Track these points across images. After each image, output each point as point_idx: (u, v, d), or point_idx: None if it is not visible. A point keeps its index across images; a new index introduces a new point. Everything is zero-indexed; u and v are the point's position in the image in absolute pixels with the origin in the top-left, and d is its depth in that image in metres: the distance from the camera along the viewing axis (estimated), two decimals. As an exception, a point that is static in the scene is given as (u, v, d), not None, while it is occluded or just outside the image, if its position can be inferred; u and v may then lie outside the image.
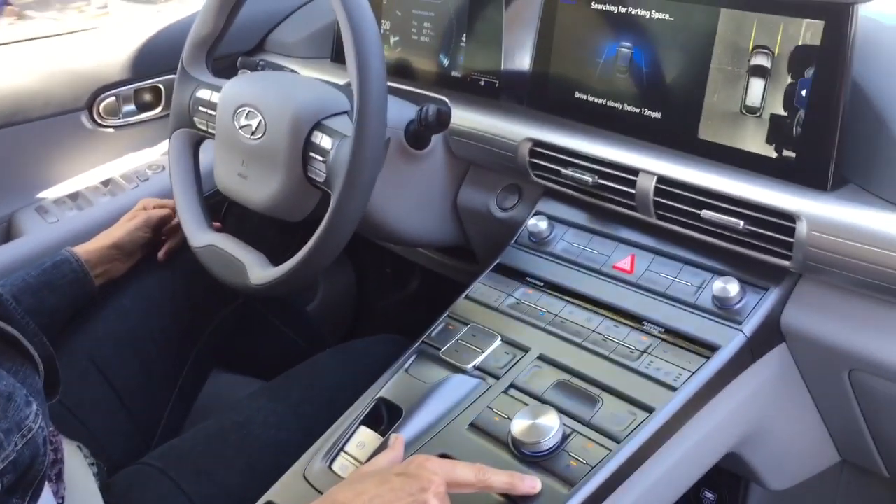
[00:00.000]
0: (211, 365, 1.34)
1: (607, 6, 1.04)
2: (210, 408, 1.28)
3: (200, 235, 1.18)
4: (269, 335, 1.45)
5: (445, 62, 1.27)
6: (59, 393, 0.88)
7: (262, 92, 1.13)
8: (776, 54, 0.89)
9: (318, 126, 1.06)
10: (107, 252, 1.22)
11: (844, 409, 0.98)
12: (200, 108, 1.21)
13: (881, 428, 0.98)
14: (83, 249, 1.20)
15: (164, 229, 1.29)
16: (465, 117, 1.19)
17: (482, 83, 1.22)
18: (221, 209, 1.48)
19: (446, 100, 1.22)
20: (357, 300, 1.92)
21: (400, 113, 1.17)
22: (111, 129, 1.60)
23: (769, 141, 0.90)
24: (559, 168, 1.08)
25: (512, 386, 0.95)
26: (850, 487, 1.15)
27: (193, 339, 1.28)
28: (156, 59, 1.59)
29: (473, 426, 0.91)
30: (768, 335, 0.93)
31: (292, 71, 1.48)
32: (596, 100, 1.07)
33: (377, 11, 1.32)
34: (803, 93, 0.87)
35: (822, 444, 1.08)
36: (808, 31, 0.86)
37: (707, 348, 0.91)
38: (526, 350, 0.98)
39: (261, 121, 1.10)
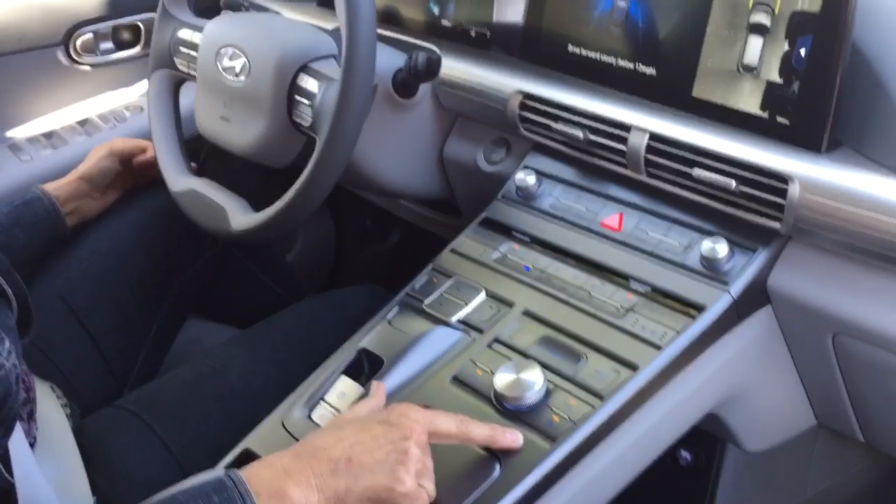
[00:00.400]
0: (187, 311, 1.32)
1: (606, -43, 1.02)
2: (186, 354, 1.27)
3: (180, 179, 1.15)
4: (248, 283, 1.43)
5: (436, 10, 1.24)
6: (31, 331, 0.86)
7: (247, 32, 1.09)
8: (776, 12, 0.87)
9: (304, 69, 1.04)
10: (76, 185, 1.19)
11: (825, 373, 0.98)
12: (181, 49, 1.18)
13: (860, 393, 0.99)
14: (53, 186, 1.18)
15: (135, 162, 1.25)
16: (454, 67, 1.16)
17: (473, 33, 1.20)
18: (201, 153, 1.45)
19: (436, 49, 1.19)
20: (336, 251, 1.90)
21: (388, 60, 1.14)
22: (88, 67, 1.55)
23: (765, 101, 0.89)
24: (549, 122, 1.06)
25: (496, 340, 0.94)
26: (825, 451, 1.17)
27: (170, 284, 1.26)
28: (134, -5, 1.54)
29: (456, 379, 0.91)
30: (754, 297, 0.92)
31: (277, 13, 1.44)
32: (589, 54, 1.05)
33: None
34: (802, 52, 0.86)
35: (800, 407, 1.08)
36: (811, -11, 0.85)
37: (693, 308, 0.90)
38: (511, 305, 0.98)
39: (245, 62, 1.07)
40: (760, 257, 0.91)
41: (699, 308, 0.90)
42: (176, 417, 1.01)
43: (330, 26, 1.23)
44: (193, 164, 1.20)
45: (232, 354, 1.08)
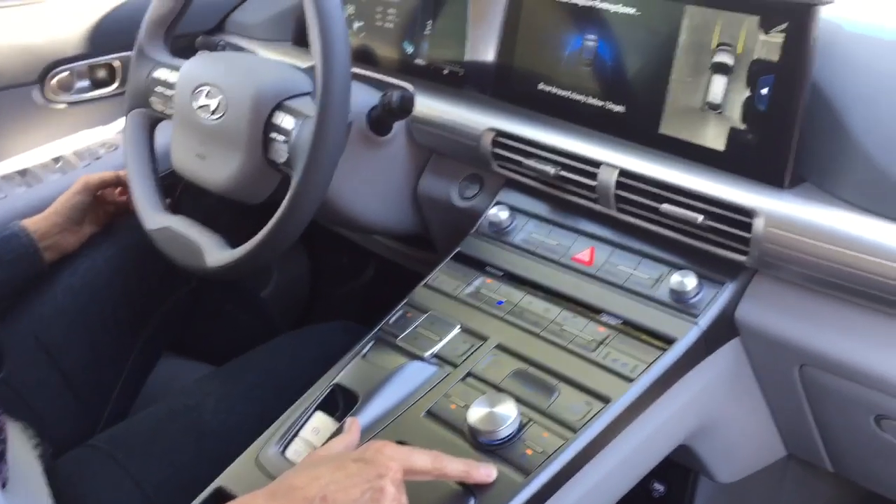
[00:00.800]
0: (161, 349, 1.32)
1: (574, -2, 1.05)
2: (160, 391, 1.26)
3: (155, 217, 1.15)
4: (222, 320, 1.42)
5: (409, 49, 1.26)
6: (2, 369, 0.85)
7: (222, 71, 1.11)
8: (739, 52, 0.90)
9: (279, 106, 1.05)
10: (52, 221, 1.19)
11: (793, 404, 1.00)
12: (158, 89, 1.19)
13: (828, 423, 1.00)
14: (30, 221, 1.18)
15: (110, 200, 1.25)
16: (428, 105, 1.18)
17: (446, 72, 1.22)
18: (176, 190, 1.45)
19: (409, 87, 1.21)
20: (311, 287, 1.90)
21: (363, 98, 1.16)
22: (63, 106, 1.56)
23: (729, 138, 0.92)
24: (521, 159, 1.08)
25: (469, 374, 0.95)
26: (795, 481, 1.18)
27: (144, 322, 1.25)
28: (112, 35, 1.55)
29: (430, 414, 0.91)
30: (723, 329, 0.94)
31: (252, 53, 1.45)
32: (560, 92, 1.08)
33: (341, -5, 1.31)
34: (764, 91, 0.89)
35: (770, 438, 1.10)
36: (772, 31, 0.87)
37: (663, 341, 0.92)
38: (484, 339, 0.98)
39: (221, 100, 1.08)
40: (728, 290, 0.93)
41: (669, 341, 0.91)
42: (149, 456, 1.00)
43: (305, 65, 1.25)
44: (168, 201, 1.21)
45: (206, 392, 1.07)
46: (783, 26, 0.86)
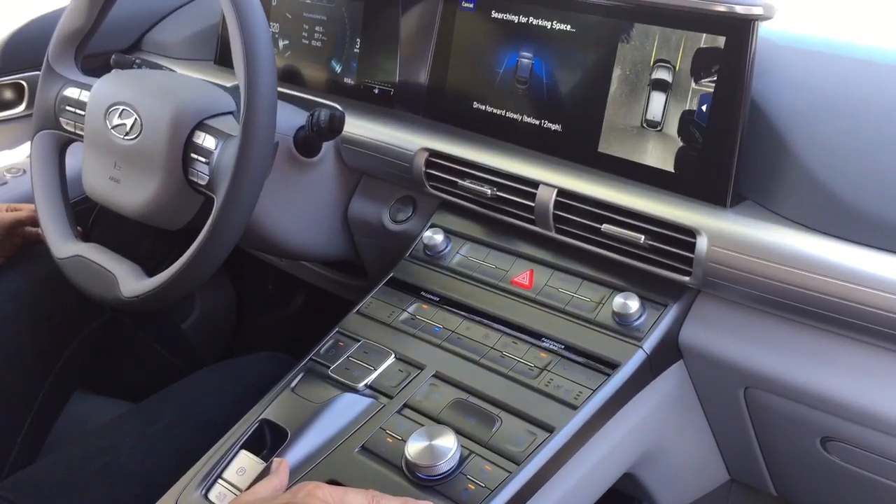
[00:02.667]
0: (73, 386, 1.23)
1: (508, 15, 1.02)
2: (71, 433, 1.18)
3: (65, 245, 1.08)
4: (140, 354, 1.35)
5: (338, 68, 1.22)
6: None
7: (138, 89, 1.04)
8: (677, 69, 0.89)
9: (200, 126, 0.99)
10: None
11: (737, 427, 0.98)
12: (68, 108, 1.12)
13: (773, 446, 0.99)
14: None
15: (18, 232, 1.18)
16: (358, 125, 1.14)
17: (377, 91, 1.18)
18: (89, 217, 1.38)
19: (338, 106, 1.17)
20: (236, 317, 1.82)
21: (289, 118, 1.11)
22: (-34, 128, 1.46)
23: (669, 156, 0.90)
24: (456, 179, 1.05)
25: (406, 405, 0.90)
26: (739, 506, 1.16)
27: (53, 358, 1.17)
28: (18, 52, 1.47)
29: (365, 449, 0.86)
30: (667, 352, 0.91)
31: (171, 70, 1.39)
32: (495, 111, 1.05)
33: (265, 13, 1.26)
34: (703, 108, 0.87)
35: (713, 462, 1.08)
36: (709, 47, 0.86)
37: (607, 365, 0.89)
38: (421, 368, 0.94)
39: (136, 119, 1.01)
40: (672, 312, 0.91)
41: (613, 365, 0.88)
42: (58, 504, 0.92)
43: (229, 84, 1.19)
44: (80, 229, 1.13)
45: (122, 432, 1.00)
46: (722, 41, 0.85)
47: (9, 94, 1.50)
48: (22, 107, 1.51)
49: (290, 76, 1.28)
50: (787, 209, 0.84)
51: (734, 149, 0.85)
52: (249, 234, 1.08)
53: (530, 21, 1.00)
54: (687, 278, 0.88)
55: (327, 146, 1.15)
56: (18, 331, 1.13)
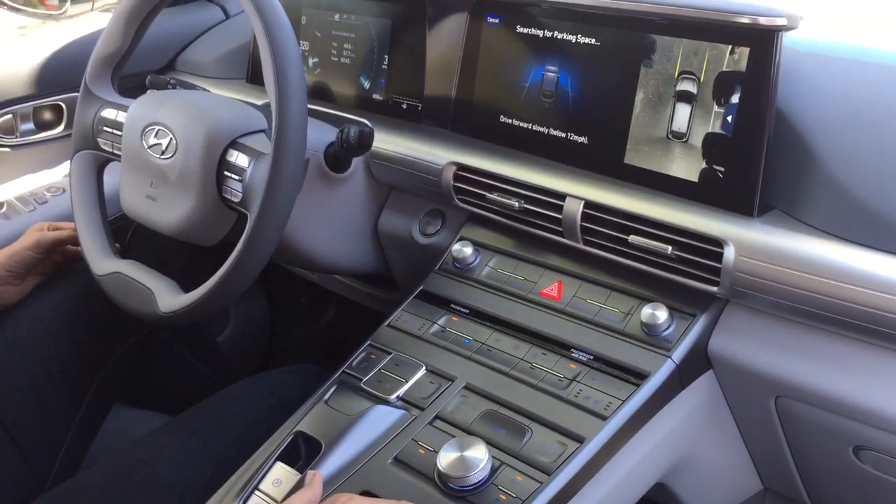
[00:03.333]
0: (112, 399, 1.26)
1: (533, 30, 1.03)
2: (111, 446, 1.20)
3: (104, 262, 1.10)
4: (177, 367, 1.37)
5: (366, 84, 1.24)
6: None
7: (173, 109, 1.07)
8: (702, 80, 0.89)
9: (233, 144, 1.01)
10: None
11: (769, 437, 0.98)
12: (105, 129, 1.14)
13: (805, 455, 0.98)
14: None
15: (59, 251, 1.21)
16: (387, 140, 1.16)
17: (404, 106, 1.19)
18: (127, 234, 1.40)
19: (367, 122, 1.18)
20: (270, 330, 1.85)
21: (319, 135, 1.13)
22: (7, 149, 1.50)
23: (695, 167, 0.90)
24: (484, 193, 1.06)
25: (437, 417, 0.91)
26: (772, 516, 1.15)
27: (93, 372, 1.19)
28: (57, 75, 1.50)
29: (398, 460, 0.87)
30: (696, 362, 0.92)
31: (204, 90, 1.42)
32: (521, 124, 1.06)
33: (295, 32, 1.29)
34: (729, 118, 0.88)
35: (746, 472, 1.07)
36: (734, 58, 0.87)
37: (636, 376, 0.89)
38: (451, 379, 0.95)
39: (171, 139, 1.04)
40: (700, 322, 0.91)
41: (642, 375, 0.89)
42: (100, 515, 0.94)
43: (259, 102, 1.22)
44: (118, 246, 1.16)
45: (160, 444, 1.02)
46: (746, 52, 0.85)
47: (48, 116, 1.54)
48: (61, 127, 1.54)
49: (319, 93, 1.30)
50: (814, 218, 0.84)
51: (760, 158, 0.85)
52: (282, 249, 1.09)
53: (555, 35, 1.01)
54: (715, 288, 0.89)
55: (357, 161, 1.17)
56: (60, 346, 1.16)
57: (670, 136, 0.92)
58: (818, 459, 0.98)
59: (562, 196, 0.98)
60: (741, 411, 0.98)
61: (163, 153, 1.05)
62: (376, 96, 1.23)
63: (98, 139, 1.15)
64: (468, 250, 1.08)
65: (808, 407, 0.89)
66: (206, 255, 1.16)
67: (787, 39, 0.85)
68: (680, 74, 0.91)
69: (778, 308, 0.86)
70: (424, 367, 0.97)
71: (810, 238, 0.83)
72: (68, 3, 1.61)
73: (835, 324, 0.82)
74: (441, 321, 1.03)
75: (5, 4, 1.58)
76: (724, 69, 0.87)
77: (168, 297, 1.01)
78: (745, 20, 0.84)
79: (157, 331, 1.28)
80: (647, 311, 0.91)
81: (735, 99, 0.87)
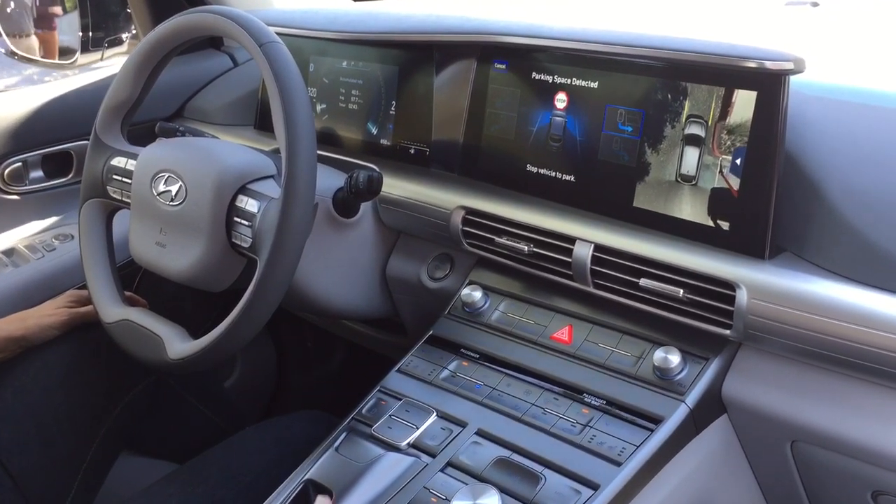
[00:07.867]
0: (119, 447, 1.24)
1: (540, 74, 1.04)
2: (117, 495, 1.19)
3: (113, 310, 1.10)
4: (183, 414, 1.36)
5: (374, 130, 1.25)
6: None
7: (182, 156, 1.08)
8: (710, 123, 0.90)
9: (242, 190, 1.02)
10: (9, 342, 1.13)
11: (786, 482, 0.96)
12: (115, 177, 1.15)
13: (823, 501, 0.97)
14: None
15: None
16: (395, 185, 1.16)
17: (412, 151, 1.20)
18: (134, 279, 1.40)
19: (375, 167, 1.19)
20: (277, 376, 1.83)
21: (328, 180, 1.14)
22: (16, 197, 1.51)
23: (705, 209, 0.90)
24: (493, 237, 1.06)
25: (449, 464, 0.90)
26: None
27: (101, 420, 1.18)
28: (66, 123, 1.51)
29: (409, 509, 0.86)
30: (710, 406, 0.91)
31: (213, 137, 1.43)
32: (529, 168, 1.06)
33: (303, 78, 1.30)
34: (738, 161, 0.88)
35: (763, 518, 1.05)
36: (741, 101, 0.87)
37: (650, 420, 0.88)
38: (463, 425, 0.94)
39: (181, 186, 1.04)
40: (713, 365, 0.90)
41: (657, 420, 0.88)
42: (106, 567, 0.93)
43: (268, 149, 1.22)
44: (127, 293, 1.16)
45: (166, 494, 1.01)
46: (753, 96, 0.86)
47: (57, 164, 1.55)
48: (70, 175, 1.55)
49: (328, 139, 1.31)
50: (825, 260, 0.84)
51: (770, 201, 0.85)
52: (291, 295, 1.09)
53: (562, 80, 1.02)
54: (728, 331, 0.88)
55: (365, 206, 1.17)
56: (68, 394, 1.15)
57: (679, 180, 0.92)
58: (836, 505, 0.96)
59: (571, 240, 0.98)
60: (757, 456, 0.97)
61: (172, 200, 1.05)
62: (384, 142, 1.24)
63: (108, 187, 1.16)
64: (477, 294, 1.07)
65: (826, 452, 0.88)
66: (213, 301, 1.16)
67: (794, 82, 0.85)
68: (688, 118, 0.91)
69: (792, 351, 0.85)
70: (435, 413, 0.96)
71: (822, 280, 0.82)
72: (78, 53, 1.63)
73: (849, 367, 0.82)
74: (451, 366, 1.03)
75: (16, 55, 1.60)
76: (732, 113, 0.88)
77: (177, 344, 1.01)
78: (752, 64, 0.85)
79: (163, 377, 1.28)
80: (659, 355, 0.91)
81: (743, 142, 0.87)
